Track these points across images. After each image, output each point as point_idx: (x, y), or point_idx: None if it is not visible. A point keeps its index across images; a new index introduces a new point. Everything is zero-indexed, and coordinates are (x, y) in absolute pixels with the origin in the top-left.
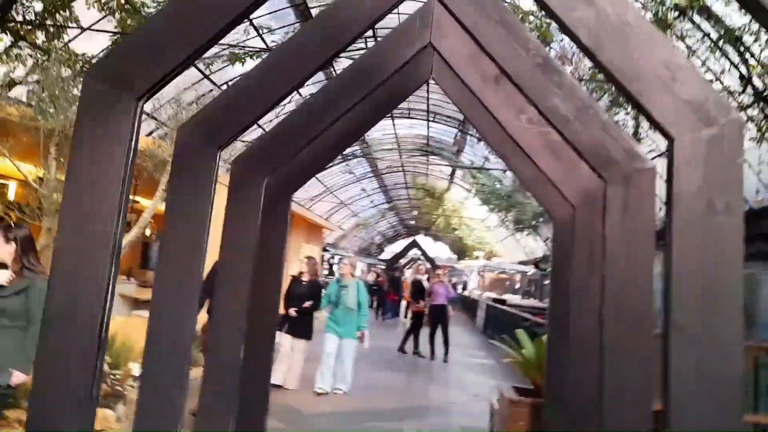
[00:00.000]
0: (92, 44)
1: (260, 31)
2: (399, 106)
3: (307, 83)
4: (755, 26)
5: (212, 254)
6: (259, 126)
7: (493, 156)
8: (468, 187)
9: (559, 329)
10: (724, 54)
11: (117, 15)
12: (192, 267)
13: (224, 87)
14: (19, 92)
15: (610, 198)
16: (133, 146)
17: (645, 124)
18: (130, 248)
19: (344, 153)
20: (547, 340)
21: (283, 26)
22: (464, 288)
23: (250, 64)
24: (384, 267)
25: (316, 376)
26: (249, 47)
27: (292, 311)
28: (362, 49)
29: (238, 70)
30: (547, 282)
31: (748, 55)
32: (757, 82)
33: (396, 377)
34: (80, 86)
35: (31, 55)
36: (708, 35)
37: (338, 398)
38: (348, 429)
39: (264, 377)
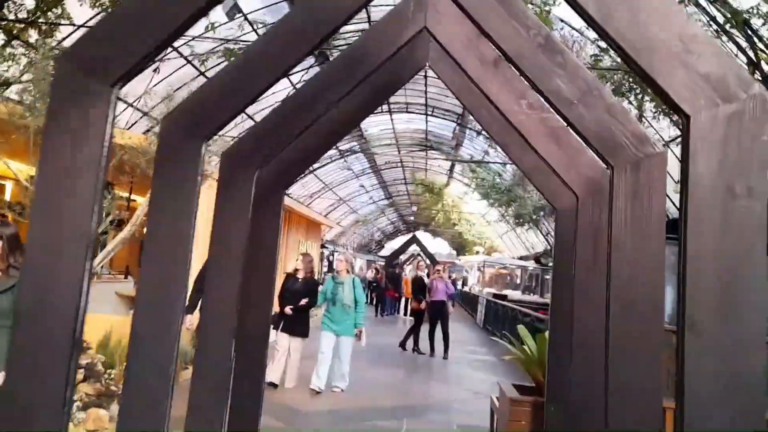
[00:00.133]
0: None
1: (255, 26)
2: (397, 101)
3: (301, 73)
4: (765, 8)
5: (205, 252)
6: (250, 117)
7: (492, 149)
8: (467, 181)
9: (562, 324)
10: (731, 38)
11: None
12: (178, 264)
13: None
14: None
15: (616, 185)
16: (108, 135)
17: (648, 113)
18: (128, 246)
19: (342, 149)
20: (549, 335)
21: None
22: (464, 284)
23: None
24: (384, 264)
25: (312, 375)
26: (244, 41)
27: (288, 309)
28: (358, 31)
29: None
30: (548, 277)
31: (756, 39)
32: (767, 68)
33: (395, 374)
34: None
35: (24, 54)
36: (714, 19)
37: (336, 396)
38: (346, 428)
39: (257, 376)
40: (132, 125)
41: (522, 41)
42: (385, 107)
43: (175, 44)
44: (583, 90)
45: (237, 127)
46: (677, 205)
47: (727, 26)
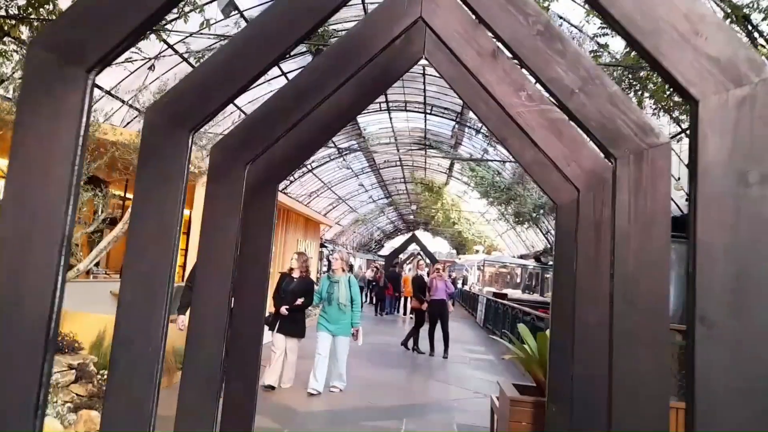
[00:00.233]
0: None
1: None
2: (396, 99)
3: (292, 63)
4: (765, 3)
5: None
6: (239, 109)
7: (491, 148)
8: (467, 180)
9: (563, 322)
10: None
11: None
12: (163, 260)
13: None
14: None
15: (619, 177)
16: (84, 124)
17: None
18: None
19: (341, 147)
20: (550, 333)
21: None
22: (464, 283)
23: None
24: (384, 263)
25: (309, 378)
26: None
27: (283, 309)
28: (354, 19)
29: None
30: (548, 276)
31: (756, 34)
32: None
33: (394, 374)
34: None
35: (16, 51)
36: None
37: (335, 396)
38: (345, 428)
39: (251, 376)
40: (128, 123)
41: (521, 28)
42: (383, 105)
43: (171, 41)
44: (584, 78)
45: (234, 122)
46: (677, 203)
47: (727, 21)
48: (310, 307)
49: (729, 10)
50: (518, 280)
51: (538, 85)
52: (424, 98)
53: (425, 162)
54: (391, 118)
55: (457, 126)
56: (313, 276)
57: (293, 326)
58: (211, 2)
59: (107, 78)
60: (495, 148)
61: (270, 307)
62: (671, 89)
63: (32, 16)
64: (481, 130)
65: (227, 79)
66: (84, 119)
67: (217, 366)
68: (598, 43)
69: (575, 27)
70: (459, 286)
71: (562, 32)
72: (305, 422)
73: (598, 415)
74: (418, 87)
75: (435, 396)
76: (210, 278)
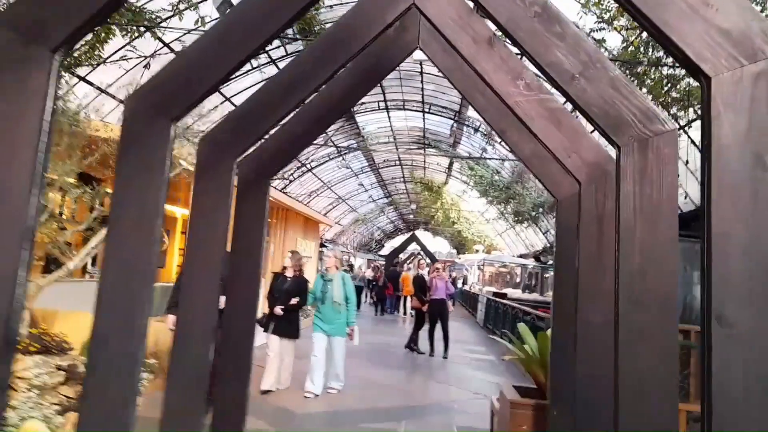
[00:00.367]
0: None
1: None
2: (394, 98)
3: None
4: None
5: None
6: (228, 100)
7: (490, 146)
8: (466, 179)
9: (565, 321)
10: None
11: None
12: (145, 256)
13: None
14: None
15: (623, 167)
16: (49, 108)
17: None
18: None
19: (340, 146)
20: (551, 333)
21: None
22: (464, 282)
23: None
24: (384, 263)
25: (306, 381)
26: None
27: (278, 309)
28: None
29: None
30: (548, 275)
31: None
32: None
33: (394, 374)
34: None
35: None
36: None
37: (332, 397)
38: (343, 430)
39: (242, 378)
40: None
41: (517, 10)
42: (382, 104)
43: (166, 40)
44: (585, 63)
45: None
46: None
47: None
48: (308, 307)
49: None
50: (518, 280)
51: (536, 74)
52: (422, 97)
53: (424, 161)
54: (389, 117)
55: (455, 125)
56: (312, 277)
57: (288, 327)
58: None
59: (104, 76)
60: (494, 146)
61: (264, 308)
62: (668, 85)
63: None
64: (480, 129)
65: (211, 66)
66: (49, 101)
67: (204, 366)
68: (594, 39)
69: (571, 22)
70: (459, 285)
71: (560, 14)
72: (302, 424)
73: (603, 419)
74: (415, 86)
75: (434, 397)
76: (198, 276)
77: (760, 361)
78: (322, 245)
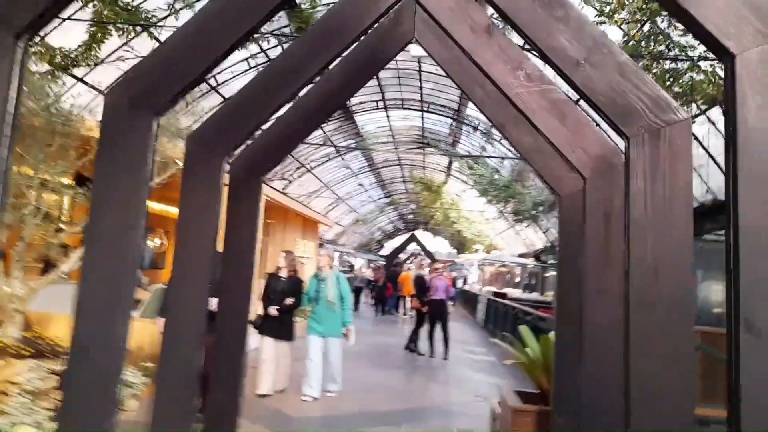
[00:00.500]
0: (69, 37)
1: None
2: (392, 97)
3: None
4: None
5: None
6: (218, 93)
7: (489, 145)
8: (465, 178)
9: (569, 324)
10: None
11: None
12: (126, 258)
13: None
14: None
15: (633, 160)
16: (12, 98)
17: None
18: None
19: (339, 146)
20: (555, 336)
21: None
22: (464, 282)
23: (236, 55)
24: (384, 263)
25: (303, 384)
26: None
27: (273, 310)
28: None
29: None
30: (547, 275)
31: None
32: None
33: (393, 376)
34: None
35: None
36: None
37: (330, 400)
38: None
39: (235, 381)
40: None
41: None
42: (380, 104)
43: (162, 38)
44: (590, 48)
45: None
46: None
47: None
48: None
49: None
50: (518, 279)
51: (537, 63)
52: (421, 96)
53: (424, 161)
54: (388, 117)
55: (454, 123)
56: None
57: (281, 328)
58: None
59: (100, 77)
60: (493, 145)
61: (259, 309)
62: (671, 79)
63: None
64: (479, 127)
65: (195, 55)
66: (12, 91)
67: (194, 370)
68: None
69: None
70: (459, 285)
71: None
72: (300, 428)
73: (610, 426)
74: (414, 84)
75: (434, 399)
76: (186, 277)
77: None
78: (321, 246)
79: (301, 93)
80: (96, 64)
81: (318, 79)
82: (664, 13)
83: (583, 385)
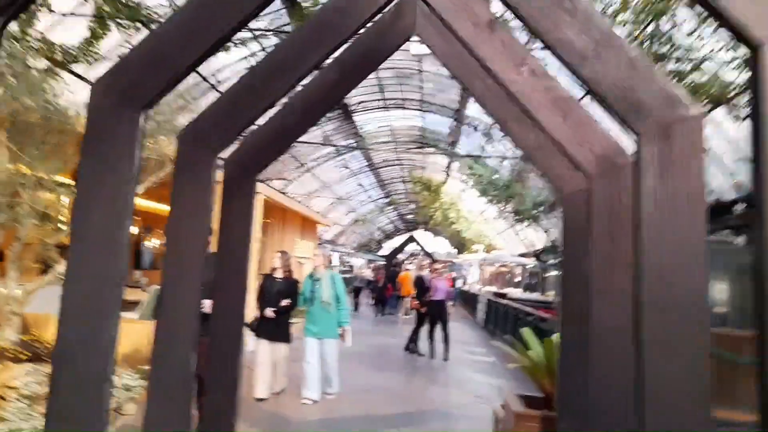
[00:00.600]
0: (70, 34)
1: None
2: (392, 96)
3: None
4: None
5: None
6: (218, 91)
7: (489, 146)
8: (465, 178)
9: (574, 326)
10: None
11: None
12: (113, 260)
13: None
14: None
15: (644, 157)
16: None
17: None
18: None
19: (338, 146)
20: (560, 338)
21: (270, 12)
22: (464, 282)
23: (236, 53)
24: (384, 263)
25: (302, 387)
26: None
27: (269, 312)
28: None
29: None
30: (548, 275)
31: None
32: None
33: (393, 378)
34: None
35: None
36: None
37: (330, 403)
38: None
39: (231, 384)
40: None
41: None
42: (380, 103)
43: None
44: (598, 41)
45: None
46: None
47: None
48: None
49: None
50: (518, 279)
51: (541, 59)
52: (421, 95)
53: (423, 161)
54: (388, 116)
55: (454, 123)
56: None
57: (277, 330)
58: None
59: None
60: (493, 145)
61: (255, 311)
62: (675, 80)
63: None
64: (479, 127)
65: (183, 47)
66: None
67: (187, 373)
68: None
69: None
70: (459, 285)
71: None
72: (298, 430)
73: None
74: (414, 84)
75: (435, 401)
76: (178, 277)
77: None
78: (320, 246)
79: (298, 89)
80: (96, 60)
81: (315, 74)
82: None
83: (590, 389)
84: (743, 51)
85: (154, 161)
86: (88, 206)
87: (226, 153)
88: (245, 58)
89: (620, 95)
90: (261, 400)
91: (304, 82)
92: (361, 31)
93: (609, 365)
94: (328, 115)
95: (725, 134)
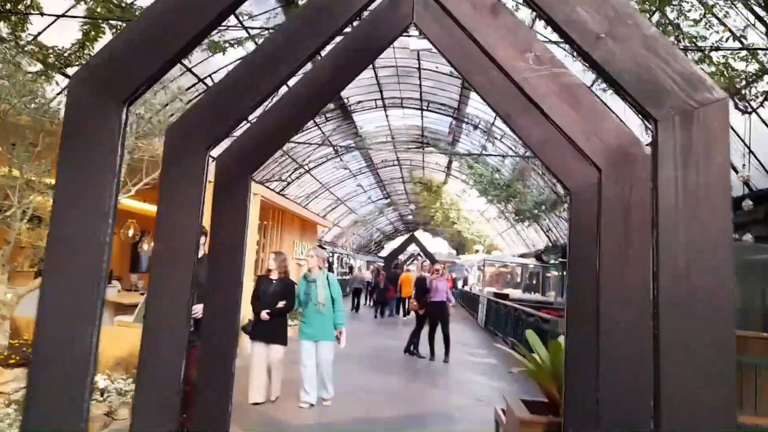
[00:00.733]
0: (63, 37)
1: (240, 18)
2: (392, 95)
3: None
4: None
5: None
6: (202, 82)
7: (490, 144)
8: (465, 178)
9: (582, 328)
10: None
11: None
12: (93, 261)
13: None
14: None
15: (662, 145)
16: None
17: None
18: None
19: (337, 147)
20: (566, 341)
21: (266, 11)
22: (465, 283)
23: (233, 54)
24: (383, 264)
25: (300, 391)
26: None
27: (264, 314)
28: None
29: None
30: (549, 275)
31: None
32: None
33: (393, 380)
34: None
35: None
36: None
37: (327, 406)
38: None
39: (224, 388)
40: None
41: None
42: (379, 103)
43: None
44: (612, 19)
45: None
46: None
47: None
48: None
49: None
50: (518, 280)
51: (548, 44)
52: (420, 94)
53: (423, 161)
54: (387, 116)
55: (454, 122)
56: None
57: (273, 332)
58: None
59: None
60: (493, 144)
61: (250, 314)
62: None
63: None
64: (479, 126)
65: (167, 34)
66: None
67: (175, 378)
68: None
69: None
70: (459, 286)
71: None
72: None
73: None
74: (413, 83)
75: (435, 404)
76: (167, 280)
77: None
78: (321, 247)
79: (292, 83)
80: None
81: (309, 68)
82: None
83: (600, 393)
84: (753, 40)
85: (147, 162)
86: (68, 205)
87: (219, 150)
88: (242, 59)
89: (636, 78)
90: (257, 404)
91: (299, 76)
92: (356, 21)
93: (621, 368)
94: (328, 115)
95: (732, 127)
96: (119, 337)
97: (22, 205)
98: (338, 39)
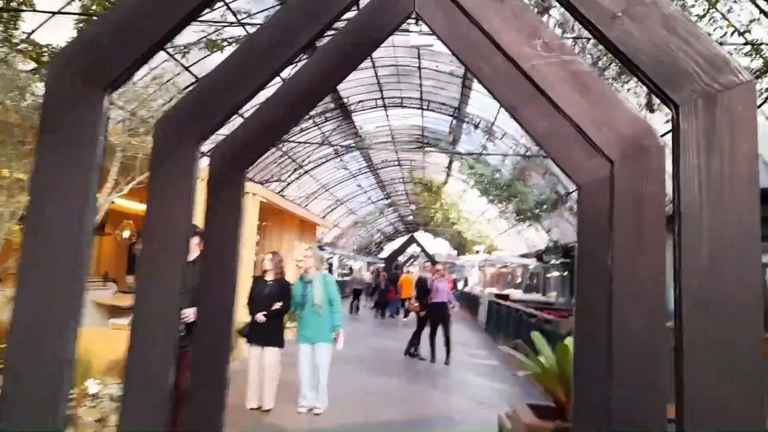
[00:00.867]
0: (57, 35)
1: (238, 16)
2: (392, 95)
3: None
4: None
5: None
6: (195, 76)
7: (491, 143)
8: (465, 178)
9: (592, 329)
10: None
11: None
12: (72, 259)
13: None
14: None
15: (684, 132)
16: None
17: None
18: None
19: (337, 147)
20: (575, 343)
21: (264, 9)
22: (465, 284)
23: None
24: (383, 266)
25: (298, 395)
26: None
27: (260, 316)
28: None
29: (218, 59)
30: (549, 275)
31: None
32: None
33: (393, 383)
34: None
35: None
36: None
37: (328, 408)
38: None
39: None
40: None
41: None
42: (380, 102)
43: None
44: None
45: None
46: None
47: None
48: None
49: None
50: (519, 280)
51: (557, 29)
52: (421, 94)
53: (423, 161)
54: (387, 116)
55: (454, 121)
56: None
57: (268, 335)
58: None
59: None
60: (494, 143)
61: (246, 316)
62: None
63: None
64: (479, 125)
65: (153, 18)
66: None
67: (165, 383)
68: None
69: None
70: (460, 287)
71: None
72: None
73: None
74: (414, 82)
75: (436, 407)
76: (155, 280)
77: None
78: (320, 248)
79: (287, 75)
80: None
81: (306, 61)
82: None
83: (613, 399)
84: (757, 35)
85: (140, 160)
86: (45, 199)
87: (212, 145)
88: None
89: (655, 60)
90: (254, 409)
91: (295, 69)
92: (354, 10)
93: (636, 373)
94: (327, 115)
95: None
96: (114, 341)
97: (10, 204)
98: (334, 29)
